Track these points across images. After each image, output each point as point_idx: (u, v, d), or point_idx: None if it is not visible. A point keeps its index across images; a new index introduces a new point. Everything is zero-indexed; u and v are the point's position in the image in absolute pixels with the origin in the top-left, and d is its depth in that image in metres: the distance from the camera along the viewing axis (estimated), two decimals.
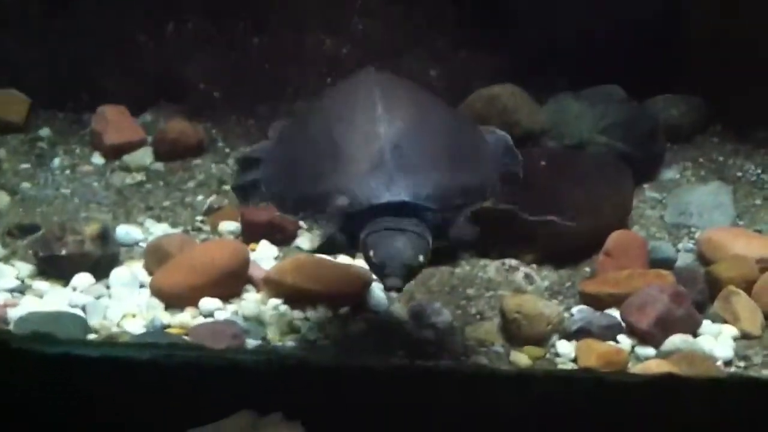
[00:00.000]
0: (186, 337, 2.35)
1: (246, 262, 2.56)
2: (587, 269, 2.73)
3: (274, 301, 2.52)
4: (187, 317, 2.44)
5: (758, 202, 3.06)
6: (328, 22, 3.50)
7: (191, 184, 3.13)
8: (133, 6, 3.45)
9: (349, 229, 1.93)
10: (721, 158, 3.28)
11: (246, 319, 2.46)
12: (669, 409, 1.89)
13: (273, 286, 2.53)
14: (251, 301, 2.52)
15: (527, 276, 2.70)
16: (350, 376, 1.96)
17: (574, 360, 2.38)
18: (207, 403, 1.92)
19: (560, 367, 2.36)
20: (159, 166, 3.21)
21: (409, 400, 1.93)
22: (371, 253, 1.88)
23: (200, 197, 3.05)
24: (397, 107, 2.01)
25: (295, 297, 2.51)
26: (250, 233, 2.80)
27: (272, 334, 2.43)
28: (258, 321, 2.46)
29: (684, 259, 2.78)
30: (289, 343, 2.41)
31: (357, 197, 1.88)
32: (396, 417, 1.91)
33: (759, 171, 3.21)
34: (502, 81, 3.22)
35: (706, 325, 2.47)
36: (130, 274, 2.57)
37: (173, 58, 3.46)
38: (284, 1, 3.46)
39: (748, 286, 2.53)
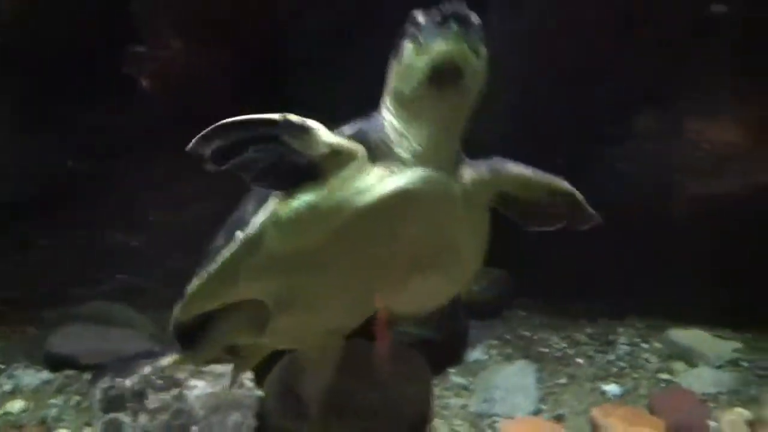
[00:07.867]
0: None
1: None
2: None
3: None
4: None
5: (563, 381, 2.94)
6: (117, 216, 3.32)
7: None
8: None
9: None
10: (527, 333, 3.17)
11: None
12: None
13: None
14: None
15: None
16: None
17: None
18: None
19: None
20: None
21: None
22: None
23: None
24: None
25: None
26: None
27: None
28: None
29: None
30: None
31: None
32: None
33: (565, 345, 3.10)
34: None
35: None
36: None
37: None
38: (70, 199, 3.28)
39: None
